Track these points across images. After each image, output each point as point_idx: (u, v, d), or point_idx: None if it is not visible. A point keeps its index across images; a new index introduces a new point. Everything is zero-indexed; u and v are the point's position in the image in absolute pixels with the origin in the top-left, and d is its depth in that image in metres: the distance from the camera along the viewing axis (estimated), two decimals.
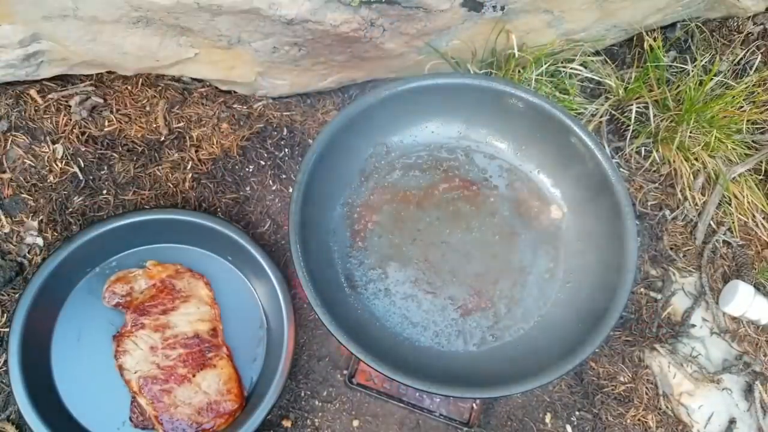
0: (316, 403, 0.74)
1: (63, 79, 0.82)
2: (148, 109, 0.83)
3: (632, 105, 0.83)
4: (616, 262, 0.60)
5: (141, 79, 0.83)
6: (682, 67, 0.85)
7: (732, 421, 0.77)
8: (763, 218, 0.84)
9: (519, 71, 0.80)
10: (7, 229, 0.76)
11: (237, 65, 0.77)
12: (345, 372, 0.73)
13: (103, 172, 0.79)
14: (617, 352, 0.78)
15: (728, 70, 0.89)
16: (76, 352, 0.70)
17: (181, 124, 0.83)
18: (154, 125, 0.82)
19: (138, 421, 0.67)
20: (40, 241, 0.76)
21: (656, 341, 0.79)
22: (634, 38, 0.88)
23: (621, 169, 0.85)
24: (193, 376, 0.67)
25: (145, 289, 0.70)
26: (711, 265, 0.83)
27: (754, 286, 0.80)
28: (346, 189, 0.69)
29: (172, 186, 0.79)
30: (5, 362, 0.66)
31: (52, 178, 0.78)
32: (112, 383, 0.68)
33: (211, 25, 0.68)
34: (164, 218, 0.73)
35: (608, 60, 0.88)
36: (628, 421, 0.76)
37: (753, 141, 0.86)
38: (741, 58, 0.90)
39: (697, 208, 0.85)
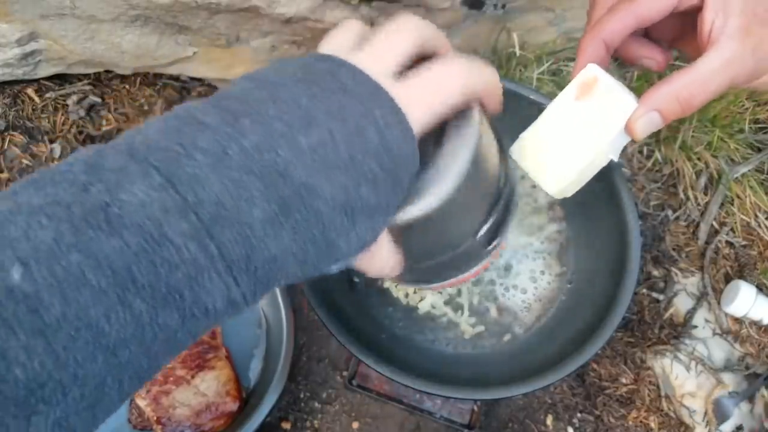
0: (316, 404, 0.73)
1: (61, 78, 0.81)
2: (146, 108, 0.82)
3: None
4: (618, 263, 0.59)
5: (139, 79, 0.82)
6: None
7: (739, 428, 0.76)
8: (766, 218, 0.84)
9: (520, 70, 0.80)
10: None
11: (235, 64, 0.77)
12: (345, 373, 0.73)
13: None
14: (619, 353, 0.78)
15: None
16: None
17: None
18: None
19: (137, 422, 0.67)
20: None
21: (658, 342, 0.78)
22: None
23: (623, 169, 0.84)
24: (192, 377, 0.67)
25: None
26: (713, 266, 0.83)
27: (757, 287, 0.79)
28: None
29: None
30: None
31: None
32: None
33: (210, 24, 0.68)
34: None
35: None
36: (630, 422, 0.75)
37: (756, 140, 0.86)
38: None
39: (699, 208, 0.84)
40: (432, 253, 0.36)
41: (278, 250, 0.24)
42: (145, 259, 0.21)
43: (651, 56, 0.47)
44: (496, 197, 0.36)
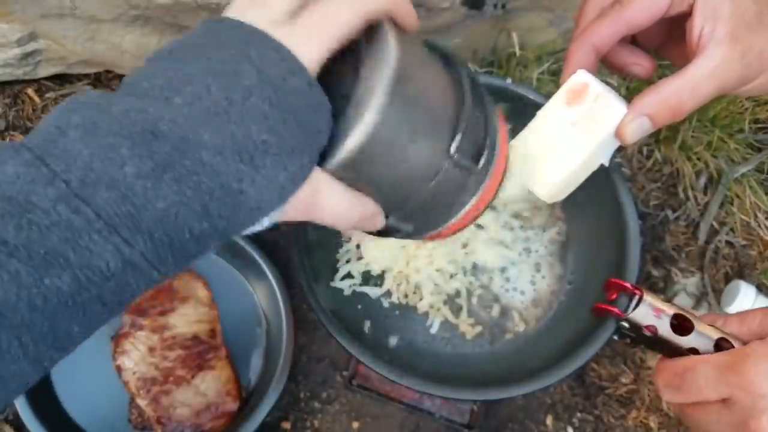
0: (316, 404, 0.73)
1: (61, 78, 0.81)
2: None
3: None
4: (618, 263, 0.59)
5: None
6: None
7: None
8: (766, 218, 0.84)
9: (520, 70, 0.80)
10: None
11: None
12: (345, 373, 0.73)
13: None
14: (619, 353, 0.78)
15: None
16: (75, 352, 0.70)
17: None
18: None
19: (137, 422, 0.67)
20: None
21: None
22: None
23: (623, 169, 0.84)
24: (192, 377, 0.67)
25: None
26: (713, 266, 0.83)
27: (757, 287, 0.79)
28: None
29: None
30: None
31: None
32: (111, 384, 0.68)
33: None
34: None
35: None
36: (630, 422, 0.75)
37: (755, 140, 0.86)
38: None
39: (699, 208, 0.84)
40: (408, 189, 0.33)
41: (165, 203, 0.25)
42: (11, 223, 0.23)
43: (638, 63, 0.47)
44: (457, 106, 0.33)
